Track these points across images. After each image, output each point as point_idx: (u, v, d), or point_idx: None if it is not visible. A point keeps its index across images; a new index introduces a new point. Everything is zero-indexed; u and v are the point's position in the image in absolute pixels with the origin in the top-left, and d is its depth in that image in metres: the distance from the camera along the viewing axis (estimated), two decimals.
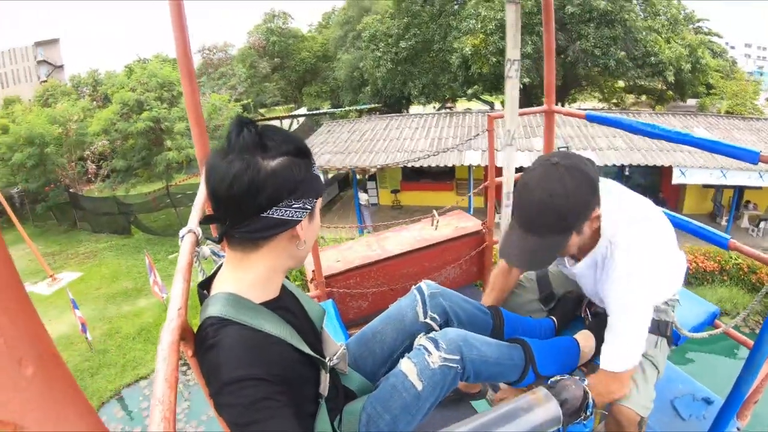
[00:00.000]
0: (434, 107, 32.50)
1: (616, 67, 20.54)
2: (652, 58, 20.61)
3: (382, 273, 3.80)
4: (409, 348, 1.77)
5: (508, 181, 3.20)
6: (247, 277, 1.30)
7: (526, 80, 21.18)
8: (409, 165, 16.36)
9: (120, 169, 21.20)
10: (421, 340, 1.66)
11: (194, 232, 1.66)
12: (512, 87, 2.90)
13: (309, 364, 1.38)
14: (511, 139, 2.98)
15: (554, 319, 2.21)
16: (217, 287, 1.33)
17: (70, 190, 23.22)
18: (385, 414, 1.52)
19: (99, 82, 37.80)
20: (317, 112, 31.45)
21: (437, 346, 1.59)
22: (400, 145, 17.20)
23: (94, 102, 32.25)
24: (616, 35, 20.25)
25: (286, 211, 1.22)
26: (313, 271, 3.51)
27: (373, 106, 29.39)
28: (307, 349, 1.34)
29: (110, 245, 20.85)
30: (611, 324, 1.73)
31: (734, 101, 24.05)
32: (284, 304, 1.40)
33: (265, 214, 1.20)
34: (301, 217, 1.23)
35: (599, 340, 1.93)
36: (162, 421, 0.90)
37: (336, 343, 1.58)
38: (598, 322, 2.04)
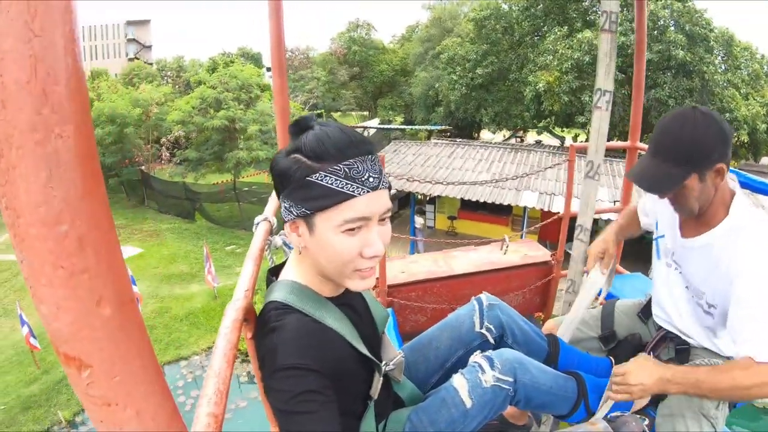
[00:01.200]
0: (504, 135, 32.51)
1: None
2: (727, 115, 19.78)
3: (444, 290, 3.80)
4: (462, 358, 1.78)
5: (585, 213, 3.15)
6: (303, 270, 1.32)
7: None
8: (465, 198, 16.54)
9: (192, 159, 22.18)
10: (476, 357, 1.64)
11: (269, 221, 1.75)
12: (600, 118, 2.87)
13: (364, 365, 1.38)
14: (594, 173, 2.98)
15: (612, 359, 2.16)
16: (284, 274, 1.37)
17: (142, 169, 24.35)
18: (429, 426, 1.51)
19: (183, 69, 39.36)
20: (388, 126, 31.66)
21: (492, 365, 1.57)
22: (461, 176, 17.26)
23: (176, 87, 33.63)
24: (693, 87, 19.63)
25: (282, 205, 1.23)
26: (377, 278, 3.40)
27: (444, 127, 29.59)
28: (363, 350, 1.35)
29: (173, 227, 21.79)
30: (753, 312, 1.63)
31: None
32: (349, 302, 1.41)
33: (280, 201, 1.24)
34: (287, 217, 1.22)
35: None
36: (215, 393, 0.94)
37: (395, 349, 1.56)
38: None
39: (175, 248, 19.46)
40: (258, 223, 1.73)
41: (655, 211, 2.16)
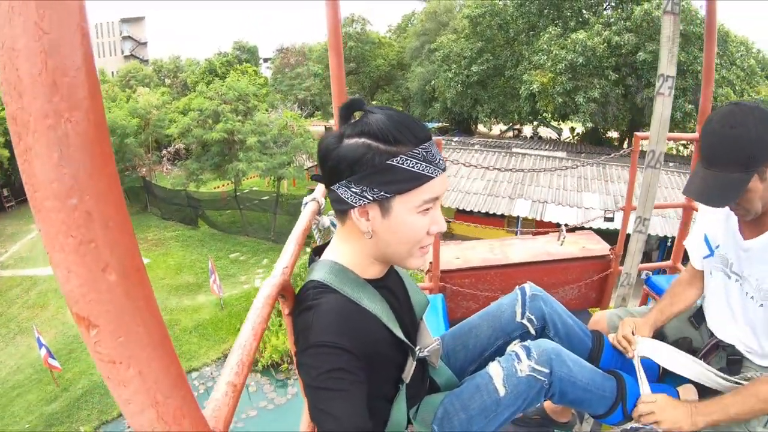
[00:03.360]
0: (500, 130, 32.70)
1: (681, 119, 20.18)
2: None
3: (498, 279, 3.70)
4: (501, 348, 1.75)
5: (645, 204, 3.02)
6: (348, 251, 1.32)
7: (589, 124, 21.13)
8: (460, 207, 16.75)
9: (194, 171, 22.38)
10: (514, 346, 1.62)
11: (317, 201, 1.76)
12: (663, 105, 2.72)
13: (398, 348, 1.37)
14: (656, 162, 2.84)
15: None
16: (326, 255, 1.37)
17: (143, 176, 24.62)
18: (461, 412, 1.50)
19: (180, 69, 39.35)
20: None
21: (528, 355, 1.54)
22: (456, 183, 17.46)
23: (174, 87, 33.74)
24: (687, 86, 19.75)
25: (344, 191, 1.20)
26: (430, 263, 3.48)
27: (441, 125, 29.71)
28: (399, 333, 1.34)
29: (177, 235, 22.03)
30: None
31: None
32: (388, 285, 1.41)
33: (333, 187, 1.22)
34: (356, 202, 1.19)
35: (702, 398, 1.82)
36: (238, 364, 0.95)
37: (432, 336, 1.54)
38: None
39: (180, 258, 19.76)
40: (306, 203, 1.74)
41: (706, 225, 2.02)
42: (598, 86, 20.12)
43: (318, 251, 1.44)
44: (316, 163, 23.81)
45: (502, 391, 1.49)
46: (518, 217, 16.15)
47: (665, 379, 2.00)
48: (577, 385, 1.60)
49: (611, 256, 3.79)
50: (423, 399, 1.56)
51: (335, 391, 1.13)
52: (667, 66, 2.64)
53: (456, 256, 3.76)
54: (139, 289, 0.57)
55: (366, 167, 1.15)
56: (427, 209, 1.20)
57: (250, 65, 38.96)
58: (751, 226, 1.76)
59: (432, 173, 1.17)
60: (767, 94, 21.82)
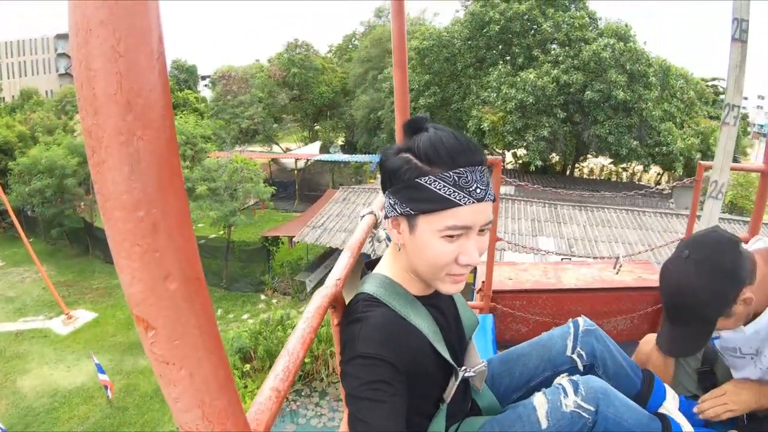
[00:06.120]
0: None
1: (627, 155, 20.80)
2: (664, 149, 20.72)
3: (550, 303, 3.63)
4: (548, 380, 1.73)
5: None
6: (395, 265, 1.37)
7: (539, 162, 21.48)
8: None
9: None
10: (562, 379, 1.59)
11: (374, 214, 1.75)
12: (728, 136, 2.67)
13: (442, 367, 1.39)
14: (718, 193, 2.78)
15: None
16: (378, 268, 1.42)
17: (84, 218, 23.57)
18: None
19: None
20: (333, 158, 30.53)
21: (576, 390, 1.50)
22: None
23: None
24: (632, 124, 20.41)
25: (386, 199, 1.28)
26: (482, 282, 3.48)
27: None
28: (444, 352, 1.35)
29: None
30: None
31: (737, 192, 23.52)
32: (437, 303, 1.43)
33: (384, 195, 1.30)
34: (390, 213, 1.26)
35: None
36: (283, 370, 0.98)
37: (479, 358, 1.54)
38: (752, 428, 1.91)
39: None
40: (363, 216, 1.75)
41: None
42: (546, 124, 20.56)
43: (370, 266, 1.47)
44: (258, 199, 22.14)
45: (544, 424, 1.47)
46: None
47: (714, 424, 1.99)
48: (623, 427, 1.55)
49: None
50: (463, 420, 1.56)
51: (374, 402, 1.16)
52: (733, 95, 2.61)
53: (509, 277, 3.73)
54: (197, 297, 0.60)
55: (399, 180, 1.20)
56: (453, 236, 1.19)
57: (191, 91, 38.11)
58: None
59: (459, 200, 1.15)
60: (707, 125, 22.59)
